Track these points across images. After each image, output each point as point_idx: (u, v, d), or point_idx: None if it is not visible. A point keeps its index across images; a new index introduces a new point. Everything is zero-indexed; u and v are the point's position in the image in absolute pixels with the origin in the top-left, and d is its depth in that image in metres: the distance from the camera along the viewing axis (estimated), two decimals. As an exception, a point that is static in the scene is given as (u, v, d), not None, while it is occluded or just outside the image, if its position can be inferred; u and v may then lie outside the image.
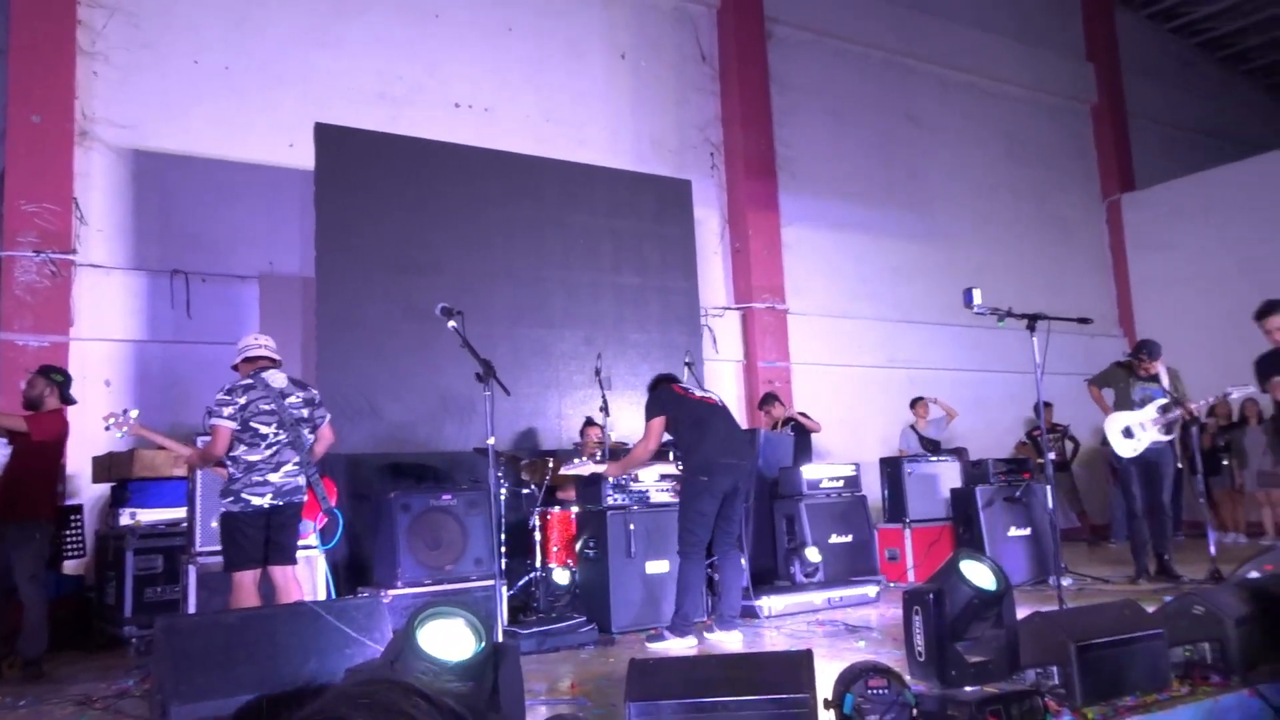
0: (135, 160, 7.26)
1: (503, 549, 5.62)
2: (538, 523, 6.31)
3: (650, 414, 5.63)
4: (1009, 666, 3.39)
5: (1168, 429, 6.82)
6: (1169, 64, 15.13)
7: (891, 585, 7.15)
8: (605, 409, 6.81)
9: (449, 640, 3.12)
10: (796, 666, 3.13)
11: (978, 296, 5.19)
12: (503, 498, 6.10)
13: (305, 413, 4.74)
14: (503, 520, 5.50)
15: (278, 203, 7.62)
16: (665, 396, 5.73)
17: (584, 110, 9.43)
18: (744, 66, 10.28)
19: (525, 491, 6.61)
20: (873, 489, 7.85)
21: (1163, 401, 6.82)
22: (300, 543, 4.85)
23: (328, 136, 7.01)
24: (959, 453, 8.93)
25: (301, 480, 4.65)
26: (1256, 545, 9.40)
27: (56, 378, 5.33)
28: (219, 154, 7.56)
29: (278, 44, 7.97)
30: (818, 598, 6.37)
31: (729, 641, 5.33)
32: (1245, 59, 15.69)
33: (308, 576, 5.18)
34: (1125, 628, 3.54)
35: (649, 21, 10.06)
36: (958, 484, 7.77)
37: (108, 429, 4.60)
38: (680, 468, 5.96)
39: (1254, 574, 4.73)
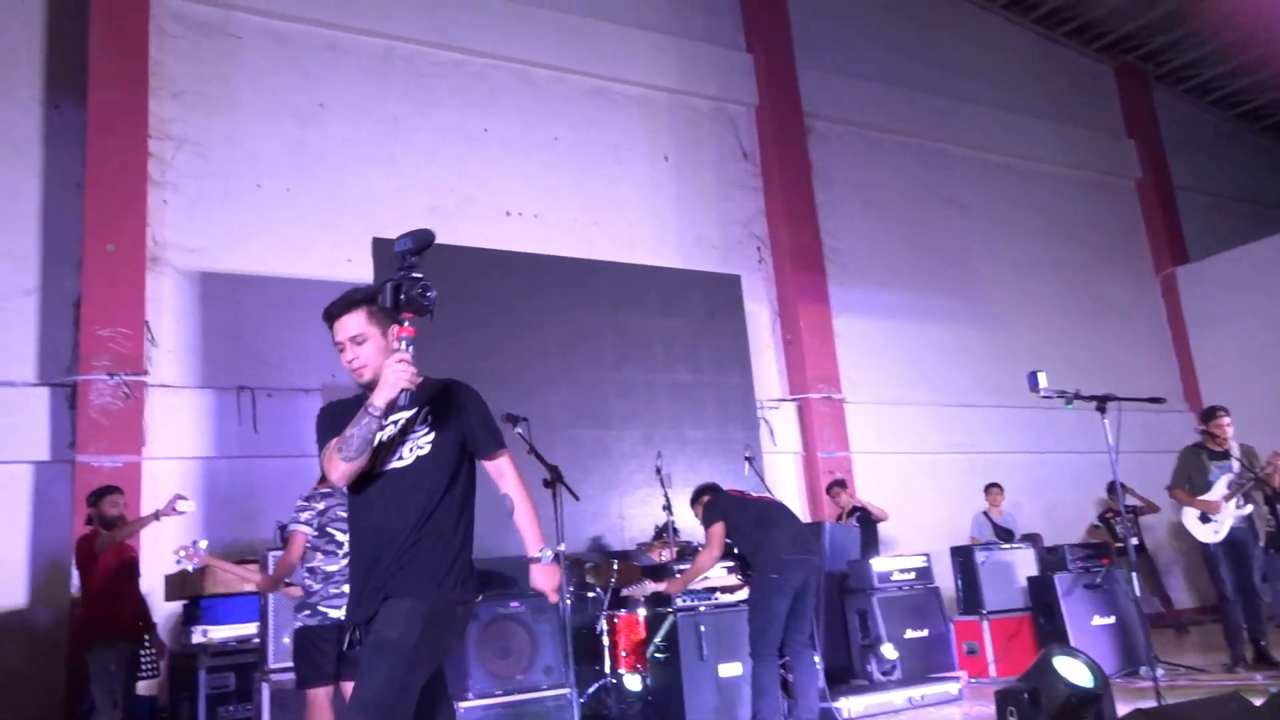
0: (203, 282, 7.51)
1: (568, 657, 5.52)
2: (605, 627, 6.21)
3: (710, 520, 5.55)
4: (1120, 769, 3.22)
5: (1243, 501, 6.61)
6: (1210, 136, 15.12)
7: (973, 681, 6.89)
8: (668, 507, 6.76)
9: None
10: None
11: (1043, 380, 5.11)
12: (569, 603, 6.03)
13: None
14: (568, 627, 5.40)
15: (339, 317, 7.79)
16: (723, 501, 5.69)
17: (630, 212, 9.62)
18: (785, 162, 10.46)
19: (591, 595, 6.53)
20: (944, 579, 7.63)
21: (1228, 477, 6.64)
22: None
23: (384, 250, 7.19)
24: (1033, 539, 8.68)
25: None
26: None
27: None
28: (281, 272, 7.79)
29: (335, 166, 8.28)
30: (898, 697, 6.14)
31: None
32: (1286, 128, 15.65)
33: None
34: (1237, 723, 3.36)
35: (689, 123, 10.32)
36: (1033, 572, 7.53)
37: (178, 562, 4.64)
38: (741, 577, 5.88)
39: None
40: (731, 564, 6.05)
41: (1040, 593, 7.21)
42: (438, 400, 2.81)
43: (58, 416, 6.67)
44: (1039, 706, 3.33)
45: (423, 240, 2.61)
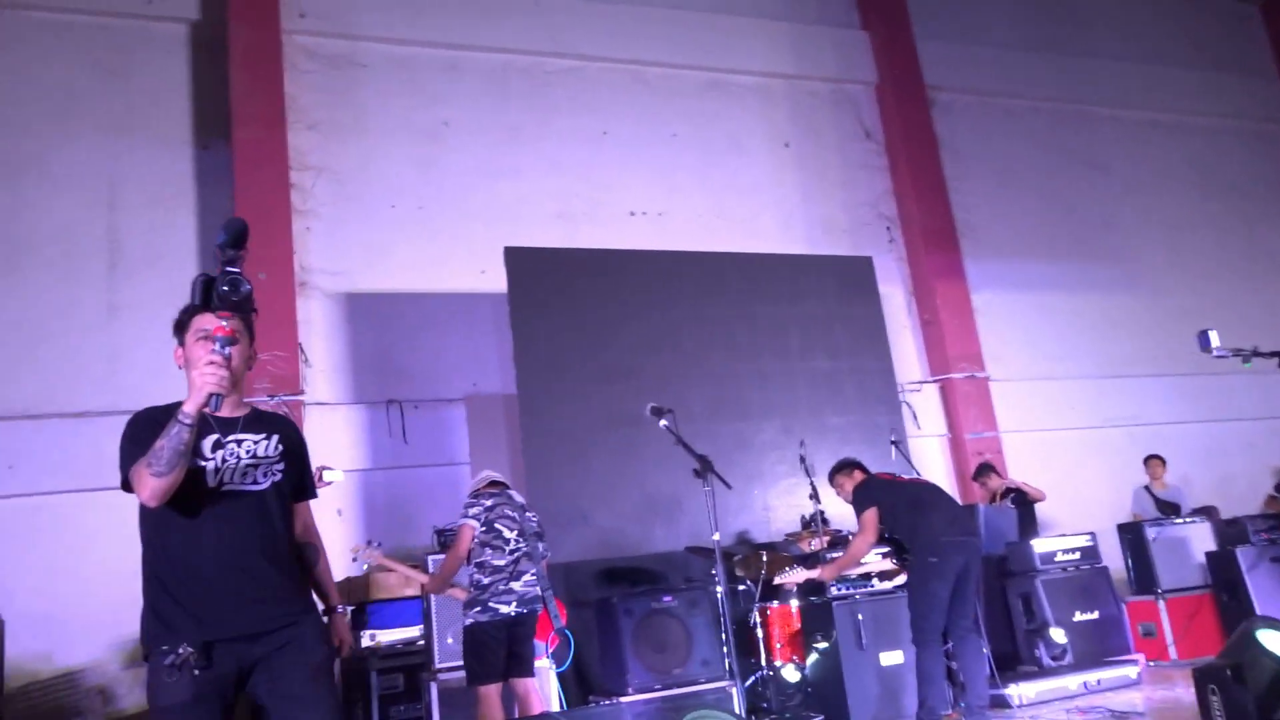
0: (348, 303, 7.83)
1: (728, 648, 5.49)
2: (758, 619, 6.16)
3: (863, 506, 5.41)
4: (1342, 748, 2.97)
5: None
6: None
7: (1151, 664, 6.52)
8: (815, 496, 6.65)
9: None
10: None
11: (1215, 338, 4.79)
12: (721, 595, 6.00)
13: (539, 531, 4.89)
14: (727, 619, 5.36)
15: (476, 326, 8.02)
16: (874, 485, 5.54)
17: (754, 202, 9.53)
18: (910, 139, 10.17)
19: (741, 588, 6.48)
20: (1111, 559, 7.26)
21: None
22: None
23: (516, 259, 7.35)
24: (1208, 511, 8.14)
25: (537, 590, 4.72)
26: None
27: None
28: (419, 288, 8.05)
29: (462, 180, 8.50)
30: (1072, 682, 5.86)
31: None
32: None
33: (544, 688, 5.20)
34: None
35: (808, 107, 10.16)
36: (1211, 547, 7.07)
37: (355, 560, 4.84)
38: (897, 562, 5.71)
39: None
40: (886, 549, 5.88)
41: (1222, 569, 6.76)
42: (285, 432, 2.72)
43: (227, 438, 7.06)
44: (1244, 683, 3.09)
45: (233, 230, 2.38)
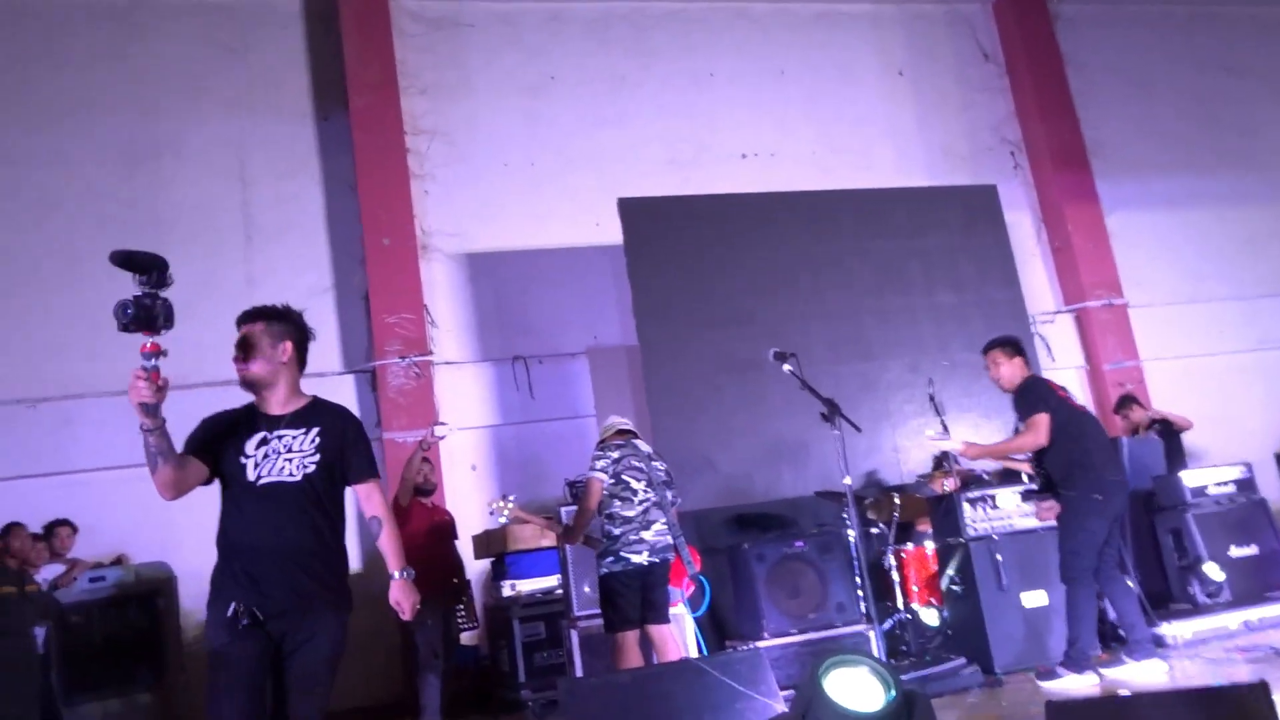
0: (468, 263, 7.99)
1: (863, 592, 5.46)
2: (894, 562, 6.10)
3: (1035, 408, 4.96)
4: None
5: None
6: None
7: (1318, 599, 6.17)
8: (946, 431, 6.48)
9: (857, 690, 3.02)
10: (1252, 701, 2.72)
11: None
12: (854, 539, 5.95)
13: (668, 479, 4.93)
14: (862, 562, 5.31)
15: (593, 279, 8.06)
16: (1047, 391, 5.10)
17: (867, 134, 9.24)
18: (1033, 56, 9.64)
19: (874, 531, 6.42)
20: (1269, 490, 6.87)
21: None
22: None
23: (629, 209, 7.33)
24: (1378, 436, 7.61)
25: (669, 539, 4.78)
26: None
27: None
28: (535, 244, 8.14)
29: (569, 132, 8.50)
30: (1231, 620, 5.62)
31: (1150, 673, 4.79)
32: None
33: (681, 634, 5.29)
34: None
35: (920, 31, 9.73)
36: (1383, 473, 6.61)
37: (492, 514, 4.99)
38: (1042, 493, 5.39)
39: None
40: (1028, 481, 5.66)
41: (1398, 497, 6.32)
42: (327, 423, 2.97)
43: (364, 400, 7.35)
44: None
45: (118, 261, 2.54)
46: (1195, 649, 5.28)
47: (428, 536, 5.74)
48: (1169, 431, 7.42)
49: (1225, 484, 6.52)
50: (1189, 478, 6.49)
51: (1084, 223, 9.23)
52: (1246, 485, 6.55)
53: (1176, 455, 7.34)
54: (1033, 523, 5.65)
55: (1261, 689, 2.73)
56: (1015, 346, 5.29)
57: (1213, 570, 5.95)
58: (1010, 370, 5.19)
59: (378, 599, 3.19)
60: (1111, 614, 5.42)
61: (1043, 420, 4.91)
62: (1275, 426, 8.54)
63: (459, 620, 5.87)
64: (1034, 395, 5.07)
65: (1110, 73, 10.09)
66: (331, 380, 7.29)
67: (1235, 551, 6.23)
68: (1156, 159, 9.94)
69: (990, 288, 7.98)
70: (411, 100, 8.16)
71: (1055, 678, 4.84)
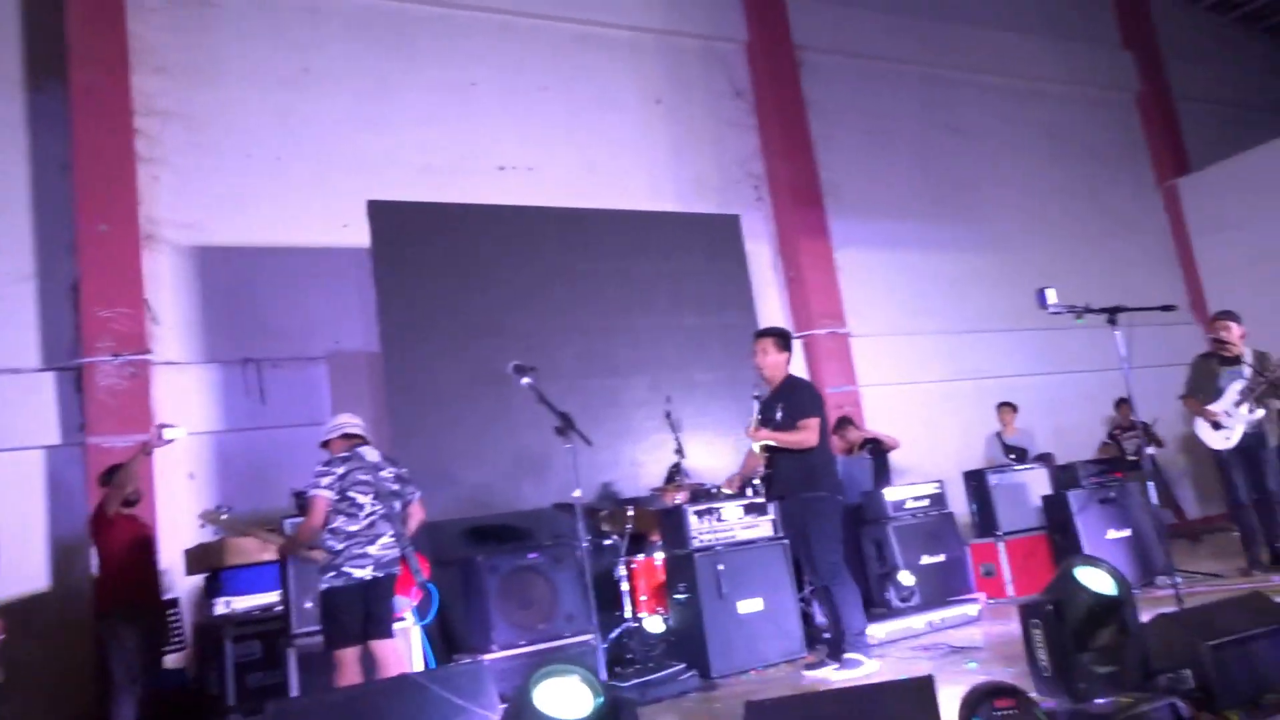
0: (200, 257, 7.48)
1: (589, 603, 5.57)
2: (624, 572, 6.27)
3: (809, 411, 5.25)
4: (1141, 674, 3.24)
5: (1254, 405, 6.56)
6: (1209, 42, 14.82)
7: (991, 602, 6.95)
8: (680, 451, 6.79)
9: (566, 699, 3.08)
10: (919, 694, 3.03)
11: (1052, 296, 5.08)
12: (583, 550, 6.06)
13: (397, 487, 4.84)
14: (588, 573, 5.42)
15: (338, 283, 7.78)
16: (819, 397, 5.41)
17: (624, 159, 9.51)
18: (779, 97, 10.30)
19: (607, 542, 6.58)
20: (958, 504, 7.67)
21: (1239, 384, 6.59)
22: (395, 617, 4.87)
23: (380, 212, 7.16)
24: (1045, 458, 8.69)
25: (396, 552, 4.69)
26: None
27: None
28: (278, 242, 7.74)
29: (324, 130, 8.17)
30: (918, 621, 6.21)
31: (833, 675, 5.20)
32: (1287, 28, 15.33)
33: (405, 649, 5.18)
34: (1257, 622, 3.37)
35: (679, 64, 10.16)
36: (1047, 491, 7.55)
37: (202, 527, 4.69)
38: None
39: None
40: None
41: (1055, 511, 7.24)
42: None
43: (65, 400, 6.67)
44: (1062, 618, 3.34)
45: None
46: (886, 649, 5.79)
47: (131, 551, 5.31)
48: (879, 450, 8.14)
49: (922, 499, 7.24)
50: (891, 493, 7.14)
51: (815, 256, 9.95)
52: (939, 500, 7.30)
53: (884, 472, 8.06)
54: (753, 534, 6.03)
55: (927, 683, 3.03)
56: (787, 341, 5.63)
57: (905, 577, 6.58)
58: (775, 361, 5.52)
59: (64, 620, 2.92)
60: (820, 618, 5.87)
61: (816, 424, 5.27)
62: (967, 449, 9.54)
63: (164, 640, 5.46)
64: (810, 397, 5.39)
65: (848, 120, 10.95)
66: (28, 377, 6.59)
67: (926, 560, 6.92)
68: (883, 203, 10.88)
69: (729, 312, 8.43)
70: (145, 78, 7.56)
71: (852, 666, 5.05)
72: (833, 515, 5.30)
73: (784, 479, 5.41)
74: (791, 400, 5.41)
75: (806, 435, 5.28)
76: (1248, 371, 6.59)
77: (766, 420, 5.46)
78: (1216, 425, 6.66)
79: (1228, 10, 14.97)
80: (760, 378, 5.69)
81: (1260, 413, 6.62)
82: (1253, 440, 6.62)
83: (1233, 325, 6.78)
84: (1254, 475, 6.62)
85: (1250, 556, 6.67)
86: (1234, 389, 6.62)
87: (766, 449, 5.44)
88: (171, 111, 7.63)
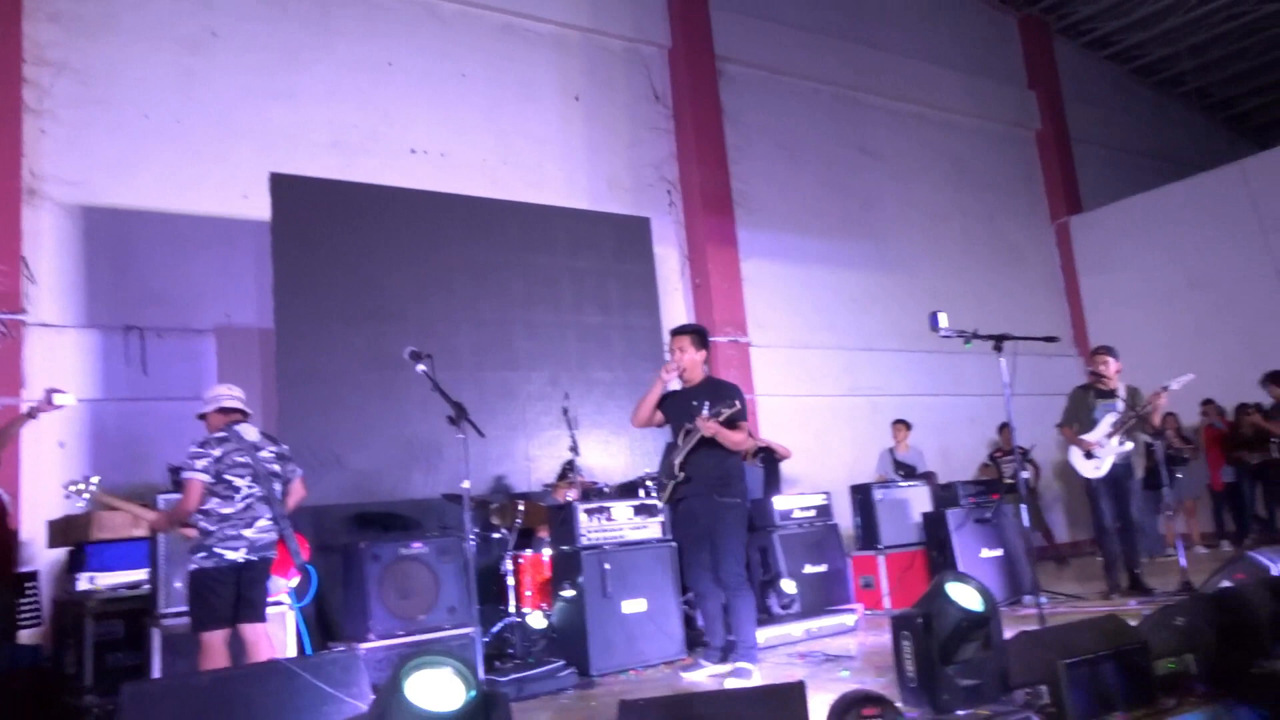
0: (86, 217, 7.14)
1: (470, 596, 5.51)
2: (510, 567, 6.22)
3: (744, 413, 5.18)
4: (1000, 688, 3.37)
5: (1124, 438, 6.90)
6: (1107, 89, 15.58)
7: (868, 612, 7.13)
8: (574, 448, 6.78)
9: (437, 691, 3.03)
10: (789, 700, 3.08)
11: (943, 320, 5.23)
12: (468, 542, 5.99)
13: (277, 467, 4.69)
14: (471, 566, 5.37)
15: (233, 255, 7.52)
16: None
17: (540, 152, 9.46)
18: (697, 105, 10.40)
19: (496, 536, 6.52)
20: (844, 517, 7.86)
21: (1111, 417, 6.92)
22: (270, 600, 4.74)
23: (283, 186, 6.96)
24: (928, 477, 8.98)
25: (274, 535, 4.55)
26: (1221, 554, 9.55)
27: None
28: (172, 208, 7.46)
29: (229, 96, 7.90)
30: (796, 629, 6.33)
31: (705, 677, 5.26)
32: (1179, 82, 16.20)
33: (278, 634, 5.03)
34: (1110, 643, 3.55)
35: (601, 63, 10.16)
36: (928, 508, 7.80)
37: (68, 498, 4.47)
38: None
39: (1226, 584, 4.78)
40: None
41: (933, 527, 7.48)
42: None
43: (-72, 357, 6.31)
44: (931, 631, 3.45)
45: None
46: (764, 654, 5.87)
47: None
48: (770, 459, 8.27)
49: (809, 509, 7.39)
50: (780, 502, 7.27)
51: (722, 265, 10.07)
52: (825, 512, 7.47)
53: (773, 481, 8.20)
54: (642, 535, 6.06)
55: (799, 688, 3.09)
56: (704, 339, 5.55)
57: (788, 585, 6.70)
58: (693, 359, 5.40)
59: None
60: (700, 620, 5.93)
61: (748, 428, 5.37)
62: (856, 462, 9.78)
63: (21, 616, 5.18)
64: (741, 399, 5.17)
65: (762, 133, 11.12)
66: (-114, 330, 6.19)
67: (809, 569, 7.07)
68: (791, 216, 11.08)
69: (633, 313, 8.46)
70: (38, 26, 7.19)
71: (744, 676, 5.01)
72: (743, 524, 5.35)
73: (700, 478, 5.30)
74: (718, 400, 5.21)
75: (745, 438, 5.31)
76: (1121, 405, 6.93)
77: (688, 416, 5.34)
78: (1089, 454, 6.98)
79: (1125, 61, 15.76)
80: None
81: (1129, 445, 6.96)
82: (1121, 471, 6.96)
83: (1110, 360, 7.11)
84: (1120, 504, 6.96)
85: (1110, 581, 7.01)
86: (1107, 421, 6.95)
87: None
88: (64, 63, 7.28)
